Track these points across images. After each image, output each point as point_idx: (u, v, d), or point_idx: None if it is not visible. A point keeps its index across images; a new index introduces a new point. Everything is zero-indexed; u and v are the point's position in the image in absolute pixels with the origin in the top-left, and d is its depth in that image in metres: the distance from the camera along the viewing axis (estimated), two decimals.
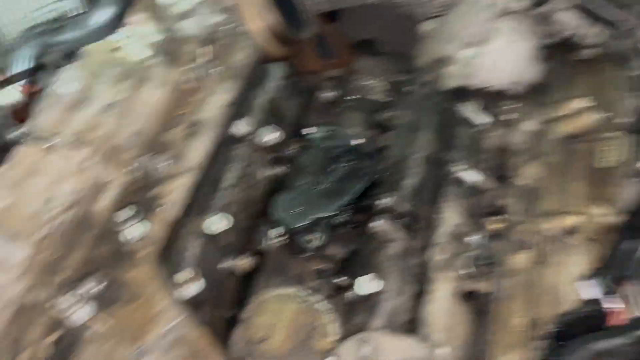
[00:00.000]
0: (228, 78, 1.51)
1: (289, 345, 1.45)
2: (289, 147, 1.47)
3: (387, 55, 2.34)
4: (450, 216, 1.27)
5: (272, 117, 1.51)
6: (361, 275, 1.22)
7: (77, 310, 1.05)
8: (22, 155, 1.22)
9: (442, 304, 1.13)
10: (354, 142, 1.79)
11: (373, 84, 2.13)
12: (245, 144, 1.39)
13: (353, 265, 1.34)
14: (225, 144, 1.40)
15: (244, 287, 1.55)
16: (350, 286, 1.32)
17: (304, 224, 1.40)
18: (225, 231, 1.24)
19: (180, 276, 1.09)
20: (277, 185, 1.46)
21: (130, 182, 1.32)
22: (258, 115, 1.47)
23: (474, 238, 1.22)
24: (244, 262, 1.26)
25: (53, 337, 1.10)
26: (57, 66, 1.37)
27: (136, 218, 1.21)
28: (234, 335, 1.43)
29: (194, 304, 1.15)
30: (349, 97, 2.06)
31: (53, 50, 1.36)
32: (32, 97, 1.34)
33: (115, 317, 1.09)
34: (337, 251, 1.55)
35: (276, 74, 1.58)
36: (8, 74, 1.33)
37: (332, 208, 1.41)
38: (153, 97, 1.41)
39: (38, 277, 1.13)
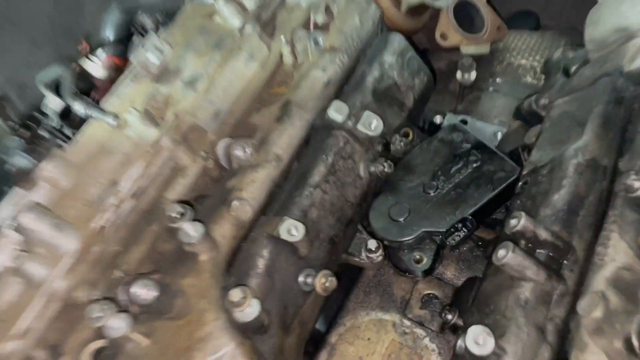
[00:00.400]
0: (336, 51, 1.25)
1: None
2: (399, 138, 1.16)
3: (549, 29, 1.91)
4: (617, 253, 0.87)
5: (384, 100, 1.22)
6: (474, 322, 0.89)
7: (119, 319, 0.87)
8: (92, 131, 1.09)
9: None
10: (489, 135, 1.46)
11: (526, 64, 1.73)
12: (344, 132, 1.11)
13: (467, 298, 1.00)
14: (321, 131, 1.14)
15: (331, 304, 1.31)
16: (460, 327, 0.99)
17: (409, 238, 1.10)
18: (304, 240, 0.98)
19: (234, 294, 0.87)
20: (380, 186, 1.17)
21: (207, 169, 1.14)
22: (366, 98, 1.18)
23: None
24: (327, 280, 1.00)
25: (94, 345, 0.95)
26: (147, 30, 1.22)
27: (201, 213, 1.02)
28: None
29: (254, 329, 0.92)
30: (492, 80, 1.70)
31: (140, 12, 1.21)
32: (118, 70, 1.21)
33: (159, 334, 0.91)
34: (453, 276, 1.23)
35: (397, 48, 1.27)
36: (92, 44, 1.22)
37: (448, 221, 1.09)
38: (245, 71, 1.20)
39: (88, 273, 0.99)
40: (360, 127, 1.09)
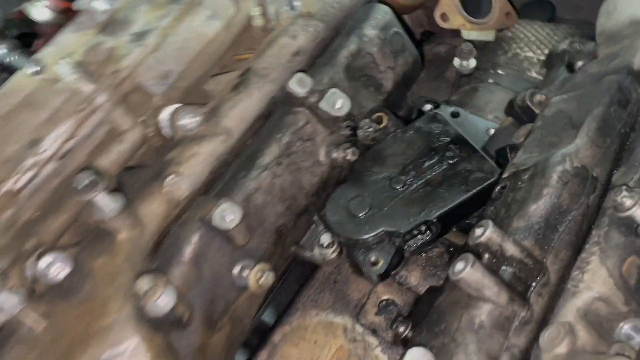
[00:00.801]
0: (311, 18, 1.10)
1: None
2: (369, 123, 1.02)
3: (564, 21, 1.75)
4: (595, 280, 0.73)
5: (358, 79, 1.07)
6: (422, 342, 0.76)
7: (13, 296, 0.75)
8: (19, 82, 0.96)
9: None
10: (482, 131, 1.32)
11: (533, 57, 1.57)
12: (306, 109, 0.98)
13: (426, 310, 0.87)
14: (281, 107, 1.01)
15: (284, 296, 1.19)
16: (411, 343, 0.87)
17: (366, 236, 0.97)
18: (240, 229, 0.85)
19: (143, 283, 0.74)
20: (344, 176, 1.04)
21: (148, 137, 1.01)
22: (337, 74, 1.04)
23: (629, 331, 0.67)
24: (263, 275, 0.88)
25: None
26: None
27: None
28: None
29: (170, 323, 0.80)
30: (493, 71, 1.55)
31: None
32: (65, 15, 1.07)
33: (57, 319, 0.79)
34: (417, 282, 1.10)
35: (380, 21, 1.13)
36: None
37: (411, 222, 0.95)
38: (205, 30, 1.07)
39: None
40: (323, 104, 0.95)
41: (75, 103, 0.96)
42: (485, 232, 0.75)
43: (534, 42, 1.56)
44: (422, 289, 1.09)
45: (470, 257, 0.73)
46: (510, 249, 0.75)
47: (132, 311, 0.76)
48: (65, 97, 0.96)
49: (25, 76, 0.97)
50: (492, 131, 1.32)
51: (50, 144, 0.93)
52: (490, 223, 0.76)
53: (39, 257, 0.83)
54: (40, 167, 0.92)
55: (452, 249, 1.09)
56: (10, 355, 0.76)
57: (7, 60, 0.93)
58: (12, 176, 0.90)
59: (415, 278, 1.10)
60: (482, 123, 1.36)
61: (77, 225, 0.96)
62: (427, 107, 1.29)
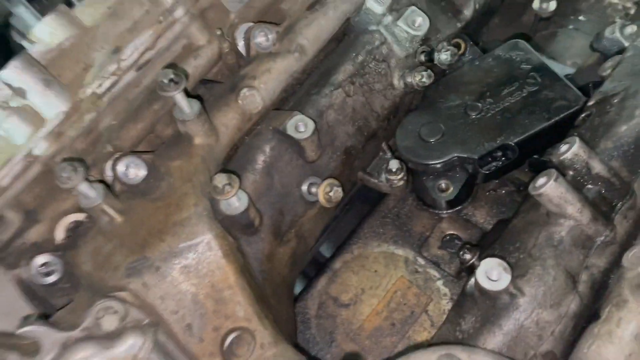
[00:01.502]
0: None
1: (378, 321, 1.06)
2: (447, 47, 0.99)
3: None
4: None
5: (438, 3, 1.04)
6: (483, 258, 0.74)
7: (90, 187, 0.78)
8: None
9: (621, 347, 0.61)
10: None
11: (618, 4, 1.48)
12: (382, 29, 0.96)
13: (494, 242, 0.85)
14: (357, 27, 0.99)
15: (342, 229, 1.19)
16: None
17: (437, 161, 0.95)
18: (312, 140, 0.85)
19: (219, 179, 0.75)
20: (416, 103, 1.01)
21: (223, 53, 1.01)
22: None
23: None
24: (332, 190, 0.87)
25: (71, 218, 0.87)
26: None
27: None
28: (313, 287, 1.09)
29: (241, 226, 0.81)
30: (574, 17, 1.47)
31: None
32: None
33: (135, 212, 0.82)
34: (483, 219, 1.07)
35: None
36: None
37: (488, 147, 0.92)
38: None
39: (77, 142, 0.91)
40: (401, 23, 0.93)
41: (156, 15, 0.97)
42: (572, 148, 0.71)
43: None
44: (488, 227, 1.06)
45: (554, 171, 0.70)
46: (597, 167, 0.72)
47: (207, 208, 0.78)
48: (146, 9, 0.97)
49: None
50: (570, 75, 1.26)
51: (131, 52, 0.95)
52: (577, 139, 0.72)
53: (117, 161, 0.86)
54: (121, 74, 0.94)
55: (522, 188, 1.06)
56: (92, 243, 0.80)
57: None
58: (95, 81, 0.92)
59: (481, 215, 1.07)
60: (560, 69, 1.30)
61: (152, 137, 0.98)
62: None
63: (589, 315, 0.68)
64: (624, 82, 0.86)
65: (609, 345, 0.61)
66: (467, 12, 1.07)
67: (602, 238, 0.70)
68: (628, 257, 0.66)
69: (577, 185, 0.72)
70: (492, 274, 0.67)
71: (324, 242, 1.25)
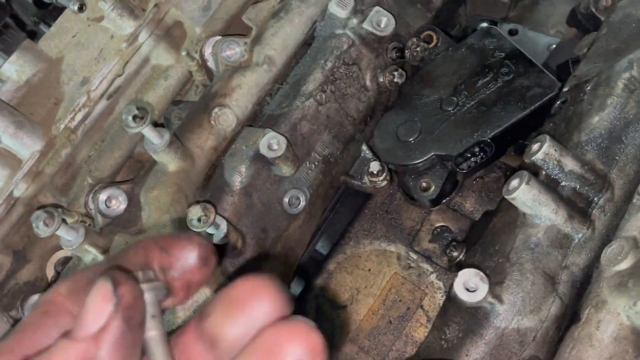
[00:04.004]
0: None
1: (375, 320, 1.07)
2: (417, 43, 0.97)
3: None
4: None
5: None
6: (476, 263, 0.74)
7: (69, 231, 0.79)
8: (67, 22, 0.97)
9: (600, 350, 0.61)
10: (542, 47, 1.24)
11: None
12: (348, 32, 0.94)
13: (477, 238, 0.85)
14: (322, 30, 0.97)
15: (336, 227, 1.19)
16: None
17: (416, 161, 0.94)
18: (287, 157, 0.85)
19: (193, 212, 0.76)
20: (389, 101, 1.00)
21: (192, 71, 1.01)
22: None
23: None
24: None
25: (59, 255, 0.89)
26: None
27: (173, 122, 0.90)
28: (309, 291, 1.10)
29: (221, 251, 0.82)
30: None
31: None
32: None
33: (116, 247, 0.82)
34: (472, 208, 1.07)
35: None
36: None
37: (465, 144, 0.91)
38: None
39: (57, 177, 0.91)
40: (366, 25, 0.91)
41: (120, 40, 0.96)
42: (542, 148, 0.70)
43: None
44: (477, 215, 1.06)
45: (526, 173, 0.69)
46: (570, 164, 0.71)
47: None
48: (110, 35, 0.96)
49: (72, 15, 0.98)
50: (554, 47, 1.23)
51: (99, 82, 0.95)
52: (548, 137, 0.71)
53: (96, 193, 0.87)
54: (92, 105, 0.94)
55: (509, 173, 1.05)
56: None
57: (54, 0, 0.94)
58: (67, 115, 0.93)
59: (470, 204, 1.07)
60: (543, 39, 1.27)
61: (131, 162, 0.99)
62: (483, 25, 1.22)
63: (571, 314, 0.68)
64: (597, 64, 0.84)
65: (589, 348, 0.62)
66: (437, 1, 1.05)
67: (580, 236, 0.70)
68: (606, 255, 0.66)
69: (551, 184, 0.72)
70: (469, 284, 0.67)
71: (319, 240, 1.25)
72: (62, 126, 0.92)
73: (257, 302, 0.35)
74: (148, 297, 0.37)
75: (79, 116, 0.93)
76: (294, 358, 0.34)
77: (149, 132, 0.80)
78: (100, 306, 0.35)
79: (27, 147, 0.89)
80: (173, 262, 0.39)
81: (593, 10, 0.95)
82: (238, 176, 0.86)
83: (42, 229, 0.76)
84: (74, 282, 0.39)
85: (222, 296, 0.36)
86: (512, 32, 1.31)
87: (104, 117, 0.96)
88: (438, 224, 1.07)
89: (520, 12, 1.37)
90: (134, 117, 0.77)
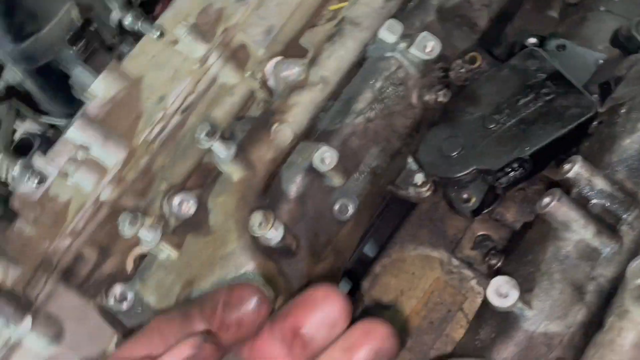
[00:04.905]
0: None
1: (417, 320, 1.15)
2: (461, 64, 1.04)
3: None
4: None
5: (451, 20, 1.09)
6: (510, 271, 0.81)
7: (149, 231, 0.91)
8: (146, 45, 1.11)
9: (621, 355, 0.67)
10: (590, 63, 1.27)
11: None
12: (397, 54, 1.02)
13: (516, 252, 0.92)
14: (373, 53, 1.06)
15: (383, 231, 1.27)
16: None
17: (458, 175, 1.01)
18: (337, 169, 0.94)
19: (255, 218, 0.86)
20: (434, 117, 1.07)
21: (255, 89, 1.11)
22: (428, 17, 1.06)
23: None
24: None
25: (137, 251, 1.02)
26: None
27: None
28: (356, 292, 1.18)
29: (280, 252, 0.92)
30: None
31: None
32: None
33: (188, 247, 0.94)
34: (513, 218, 1.12)
35: None
36: None
37: (504, 159, 0.98)
38: None
39: (136, 183, 1.04)
40: (413, 50, 0.99)
41: (192, 62, 1.08)
42: (574, 167, 0.76)
43: None
44: (518, 225, 1.12)
45: (558, 191, 0.76)
46: (600, 183, 0.76)
47: (249, 241, 0.89)
48: (183, 57, 1.09)
49: (151, 40, 1.11)
50: (601, 62, 1.26)
51: (174, 99, 1.07)
52: (579, 158, 0.77)
53: (170, 197, 0.99)
54: (168, 119, 1.06)
55: (550, 185, 1.10)
56: (154, 276, 0.93)
57: (135, 27, 1.07)
58: (146, 128, 1.05)
59: (512, 214, 1.12)
60: (590, 55, 1.30)
61: (200, 170, 1.10)
62: (531, 41, 1.26)
63: (598, 322, 0.74)
64: (635, 87, 0.89)
65: (610, 353, 0.67)
66: (482, 23, 1.11)
67: (607, 250, 0.75)
68: (631, 268, 0.71)
69: (581, 202, 0.77)
70: (501, 290, 0.74)
71: (367, 242, 1.34)
72: (142, 138, 1.05)
73: (331, 302, 0.44)
74: None
75: (156, 129, 1.06)
76: (372, 350, 0.42)
77: (217, 146, 0.91)
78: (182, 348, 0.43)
79: (112, 156, 1.02)
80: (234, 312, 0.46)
81: (634, 33, 0.99)
82: (294, 186, 0.96)
83: (127, 229, 0.89)
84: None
85: (298, 300, 0.45)
86: (560, 47, 1.34)
87: (177, 130, 1.08)
88: (480, 233, 1.14)
89: (570, 28, 1.40)
90: (207, 134, 0.88)
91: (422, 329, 1.11)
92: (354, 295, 1.19)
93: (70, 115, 1.27)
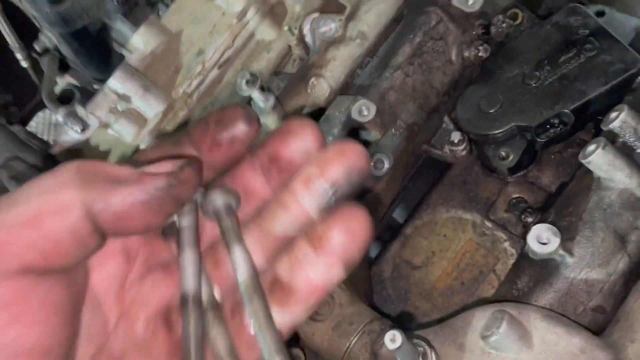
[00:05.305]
0: None
1: (449, 281, 1.15)
2: (503, 19, 1.02)
3: None
4: None
5: None
6: (549, 223, 0.80)
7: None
8: (184, 1, 1.11)
9: None
10: (630, 29, 1.24)
11: None
12: (438, 8, 1.01)
13: (550, 206, 0.91)
14: (414, 7, 1.05)
15: (413, 195, 1.27)
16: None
17: (497, 131, 1.00)
18: (375, 122, 0.94)
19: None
20: (472, 75, 1.06)
21: (292, 45, 1.12)
22: None
23: None
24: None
25: None
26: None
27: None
28: (387, 251, 1.19)
29: None
30: None
31: None
32: None
33: None
34: (549, 181, 1.11)
35: None
36: None
37: (545, 115, 0.96)
38: None
39: (170, 136, 1.06)
40: (455, 2, 0.98)
41: (231, 17, 1.09)
42: (620, 116, 0.75)
43: None
44: (554, 188, 1.10)
45: (602, 140, 0.75)
46: None
47: None
48: (222, 12, 1.09)
49: None
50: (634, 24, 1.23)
51: (213, 53, 1.08)
52: (626, 107, 0.76)
53: None
54: (206, 73, 1.07)
55: (578, 142, 1.08)
56: None
57: None
58: (185, 81, 1.07)
59: (547, 178, 1.11)
60: (631, 21, 1.27)
61: None
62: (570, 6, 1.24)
63: (638, 273, 0.73)
64: None
65: None
66: None
67: None
68: None
69: (626, 151, 0.76)
70: (542, 237, 0.73)
71: (396, 208, 1.34)
72: (181, 91, 1.06)
73: (306, 131, 0.45)
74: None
75: (195, 83, 1.07)
76: (345, 166, 0.44)
77: (257, 95, 0.92)
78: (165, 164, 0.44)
79: (152, 108, 1.04)
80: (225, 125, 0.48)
81: None
82: (331, 138, 0.97)
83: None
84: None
85: (275, 132, 0.47)
86: (599, 13, 1.32)
87: (215, 85, 1.09)
88: (514, 195, 1.13)
89: None
90: (247, 82, 0.88)
91: (453, 289, 1.11)
92: (383, 256, 1.20)
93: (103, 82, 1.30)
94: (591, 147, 0.74)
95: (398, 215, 1.37)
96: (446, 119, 1.09)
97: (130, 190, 0.41)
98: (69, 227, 0.40)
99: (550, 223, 0.81)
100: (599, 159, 0.74)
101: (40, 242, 0.39)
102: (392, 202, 1.19)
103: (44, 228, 0.39)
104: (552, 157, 1.12)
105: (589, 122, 1.01)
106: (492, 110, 1.01)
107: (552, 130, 0.95)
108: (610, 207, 0.74)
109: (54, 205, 0.40)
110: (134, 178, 0.41)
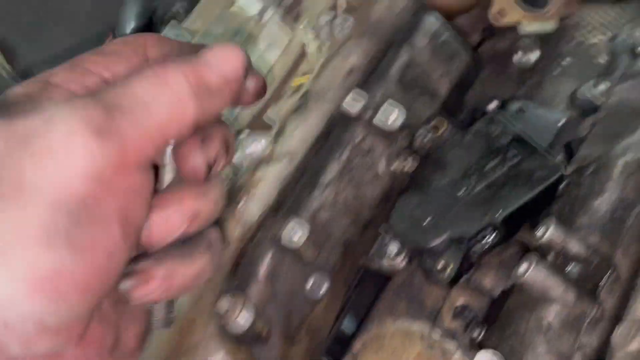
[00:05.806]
0: (361, 36, 1.14)
1: None
2: (424, 133, 1.04)
3: (633, 1, 1.66)
4: None
5: (413, 90, 1.10)
6: (492, 345, 0.77)
7: None
8: None
9: None
10: (551, 123, 1.29)
11: (599, 43, 1.51)
12: (362, 125, 1.02)
13: (497, 324, 0.88)
14: (339, 124, 1.06)
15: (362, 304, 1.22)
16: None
17: (432, 244, 0.99)
18: (307, 245, 0.91)
19: (221, 305, 0.81)
20: (403, 185, 1.06)
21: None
22: (389, 88, 1.07)
23: None
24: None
25: None
26: (165, 23, 1.19)
27: None
28: None
29: (251, 338, 0.86)
30: (557, 62, 1.50)
31: (160, 5, 1.19)
32: None
33: (154, 338, 0.88)
34: (492, 285, 1.09)
35: (429, 30, 1.14)
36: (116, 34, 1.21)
37: (477, 226, 0.96)
38: (266, 58, 1.14)
39: None
40: (377, 119, 0.99)
41: None
42: (547, 232, 0.75)
43: (599, 28, 1.50)
44: (497, 291, 1.08)
45: (534, 257, 0.74)
46: (575, 247, 0.75)
47: (216, 329, 0.84)
48: None
49: None
50: (562, 123, 1.28)
51: None
52: (553, 222, 0.76)
53: None
54: None
55: (527, 248, 1.08)
56: None
57: None
58: None
59: (489, 281, 1.09)
60: (551, 116, 1.32)
61: None
62: (492, 105, 1.28)
63: None
64: (597, 147, 0.89)
65: None
66: (443, 91, 1.13)
67: (590, 317, 0.73)
68: (616, 335, 0.69)
69: (559, 267, 0.75)
70: None
71: (344, 319, 1.28)
72: None
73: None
74: None
75: None
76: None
77: None
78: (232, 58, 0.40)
79: None
80: None
81: (588, 96, 1.02)
82: (263, 266, 0.92)
83: None
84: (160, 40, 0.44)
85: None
86: (520, 110, 1.37)
87: None
88: (459, 302, 1.10)
89: (528, 90, 1.44)
90: None
91: None
92: None
93: None
94: (523, 267, 0.73)
95: (347, 326, 1.31)
96: (381, 230, 1.07)
97: None
98: None
99: (494, 345, 0.78)
100: (531, 278, 0.72)
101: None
102: (337, 317, 1.14)
103: None
104: (492, 259, 1.11)
105: (521, 226, 1.01)
106: (425, 222, 1.00)
107: (485, 240, 0.94)
108: (550, 329, 0.72)
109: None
110: None
